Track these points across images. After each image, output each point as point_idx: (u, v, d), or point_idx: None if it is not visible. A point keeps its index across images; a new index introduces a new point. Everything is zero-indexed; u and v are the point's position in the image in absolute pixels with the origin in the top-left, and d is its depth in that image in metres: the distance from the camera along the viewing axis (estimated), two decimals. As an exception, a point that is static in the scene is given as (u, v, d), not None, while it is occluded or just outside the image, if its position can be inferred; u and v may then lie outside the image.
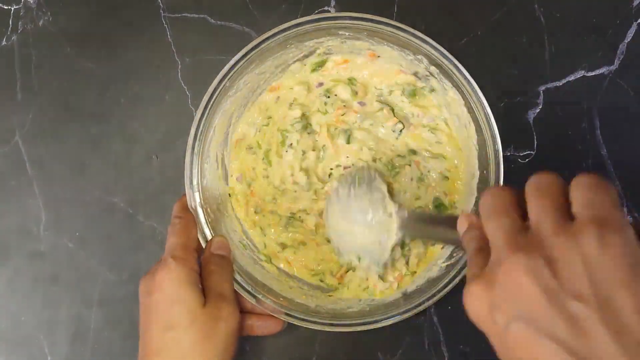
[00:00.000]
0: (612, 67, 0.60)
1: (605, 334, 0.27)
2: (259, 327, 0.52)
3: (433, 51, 0.51)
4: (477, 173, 0.53)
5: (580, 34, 0.60)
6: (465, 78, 0.51)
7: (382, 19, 0.52)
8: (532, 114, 0.59)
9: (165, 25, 0.60)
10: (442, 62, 0.51)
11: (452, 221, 0.41)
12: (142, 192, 0.59)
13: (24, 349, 0.58)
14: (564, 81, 0.60)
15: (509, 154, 0.59)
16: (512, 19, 0.60)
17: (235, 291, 0.49)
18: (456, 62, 0.51)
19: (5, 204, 0.59)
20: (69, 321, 0.58)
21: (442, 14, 0.60)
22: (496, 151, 0.51)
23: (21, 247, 0.59)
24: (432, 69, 0.53)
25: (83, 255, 0.59)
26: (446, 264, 0.53)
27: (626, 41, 0.60)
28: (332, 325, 0.51)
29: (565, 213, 0.31)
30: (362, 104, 0.56)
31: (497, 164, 0.51)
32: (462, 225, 0.38)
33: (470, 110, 0.52)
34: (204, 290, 0.46)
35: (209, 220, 0.53)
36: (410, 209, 0.51)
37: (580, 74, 0.60)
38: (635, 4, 0.60)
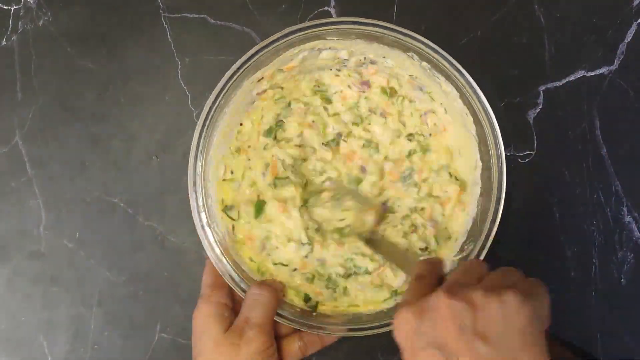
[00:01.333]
0: (612, 67, 0.60)
1: None
2: (309, 344, 0.54)
3: (423, 47, 0.53)
4: (480, 163, 0.54)
5: (580, 34, 0.60)
6: (458, 70, 0.52)
7: (369, 21, 0.53)
8: (532, 114, 0.59)
9: (165, 25, 0.60)
10: (432, 56, 0.53)
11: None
12: (142, 193, 0.59)
13: (24, 349, 0.58)
14: (564, 81, 0.60)
15: (509, 154, 0.59)
16: (512, 19, 0.60)
17: (268, 319, 0.50)
18: (446, 55, 0.52)
19: (5, 204, 0.59)
20: (69, 321, 0.58)
21: (442, 14, 0.60)
22: (496, 138, 0.52)
23: (21, 247, 0.59)
24: (424, 64, 0.54)
25: (83, 256, 0.59)
26: (458, 257, 0.54)
27: (626, 41, 0.60)
28: (351, 330, 0.52)
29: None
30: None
31: (499, 155, 0.52)
32: (422, 260, 0.45)
33: (465, 102, 0.53)
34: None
35: (218, 238, 0.53)
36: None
37: (580, 74, 0.60)
38: (635, 4, 0.60)
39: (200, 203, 0.52)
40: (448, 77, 0.53)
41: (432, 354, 0.36)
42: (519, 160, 0.59)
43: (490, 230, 0.52)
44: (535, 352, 0.35)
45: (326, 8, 0.60)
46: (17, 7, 0.60)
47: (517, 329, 0.35)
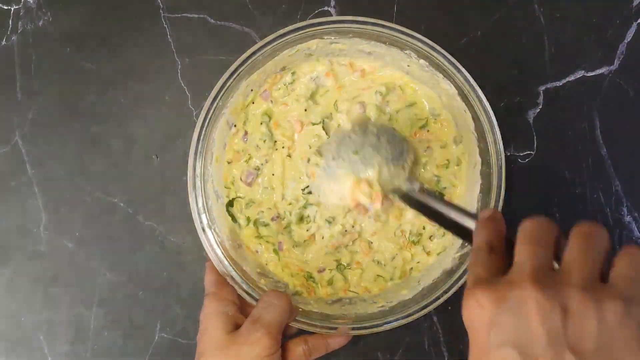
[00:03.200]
0: (612, 67, 0.60)
1: None
2: (313, 349, 0.52)
3: (420, 45, 0.53)
4: (479, 159, 0.54)
5: (580, 34, 0.60)
6: (456, 67, 0.53)
7: (366, 20, 0.53)
8: (532, 114, 0.59)
9: (165, 25, 0.60)
10: (430, 54, 0.53)
11: (463, 211, 0.41)
12: (142, 192, 0.59)
13: (24, 349, 0.58)
14: (564, 81, 0.60)
15: (509, 154, 0.59)
16: (512, 19, 0.60)
17: (278, 323, 0.49)
18: (444, 52, 0.53)
19: (5, 204, 0.59)
20: (69, 321, 0.58)
21: (442, 14, 0.60)
22: (494, 135, 0.53)
23: (21, 247, 0.59)
24: (422, 62, 0.54)
25: (83, 256, 0.59)
26: (459, 254, 0.54)
27: (626, 41, 0.60)
28: (354, 329, 0.53)
29: (600, 274, 0.31)
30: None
31: (497, 152, 0.53)
32: (484, 215, 0.38)
33: (464, 98, 0.54)
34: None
35: (219, 240, 0.53)
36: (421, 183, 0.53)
37: (580, 74, 0.60)
38: (635, 4, 0.60)
39: (201, 205, 0.53)
40: (446, 75, 0.53)
41: (510, 355, 0.30)
42: (519, 160, 0.59)
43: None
44: None
45: (326, 8, 0.60)
46: (17, 7, 0.60)
47: (617, 346, 0.29)
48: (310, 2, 0.60)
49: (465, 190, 0.57)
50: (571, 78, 0.60)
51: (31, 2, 0.60)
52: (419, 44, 0.53)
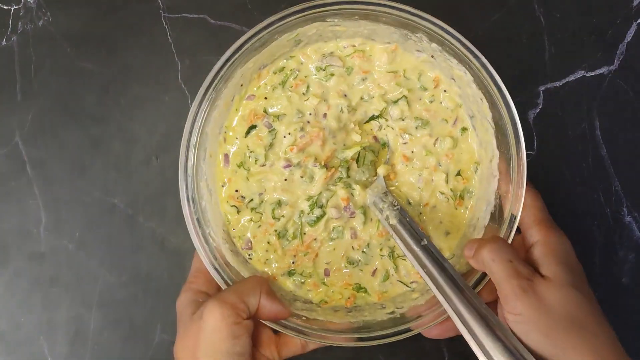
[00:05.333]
0: (612, 67, 0.60)
1: None
2: (264, 308, 0.48)
3: (432, 27, 0.49)
4: (497, 153, 0.51)
5: (580, 34, 0.60)
6: (471, 51, 0.49)
7: (373, 0, 0.50)
8: (532, 114, 0.59)
9: (165, 26, 0.60)
10: (443, 37, 0.49)
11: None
12: (142, 193, 0.59)
13: (24, 349, 0.58)
14: (564, 81, 0.60)
15: (509, 154, 0.59)
16: (512, 19, 0.60)
17: (237, 293, 0.47)
18: (458, 35, 0.49)
19: (5, 205, 0.59)
20: (69, 322, 0.58)
21: (442, 14, 0.60)
22: (514, 124, 0.49)
23: (21, 248, 0.59)
24: (434, 45, 0.51)
25: (83, 257, 0.59)
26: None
27: (626, 41, 0.60)
28: (360, 340, 0.50)
29: None
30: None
31: (518, 139, 0.49)
32: (498, 243, 0.47)
33: (480, 86, 0.50)
34: None
35: (214, 245, 0.51)
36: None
37: (580, 74, 0.60)
38: (635, 4, 0.60)
39: (193, 209, 0.50)
40: (460, 60, 0.50)
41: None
42: (519, 160, 0.59)
43: (515, 214, 0.49)
44: None
45: (326, 8, 0.60)
46: (17, 7, 0.60)
47: None
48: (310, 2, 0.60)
49: (480, 185, 0.54)
50: (571, 78, 0.60)
51: (31, 2, 0.60)
52: (432, 27, 0.49)
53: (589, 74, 0.60)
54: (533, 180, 0.59)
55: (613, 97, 0.59)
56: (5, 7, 0.60)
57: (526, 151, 0.59)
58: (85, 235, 0.59)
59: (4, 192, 0.59)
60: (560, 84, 0.60)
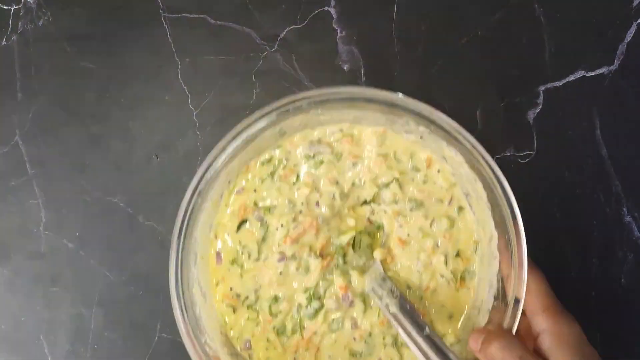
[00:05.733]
0: (612, 67, 0.60)
1: None
2: None
3: (416, 110, 0.47)
4: (495, 234, 0.49)
5: (580, 34, 0.60)
6: (460, 133, 0.47)
7: (358, 89, 0.48)
8: (532, 114, 0.59)
9: (165, 26, 0.60)
10: (429, 119, 0.47)
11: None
12: (142, 193, 0.59)
13: (24, 349, 0.58)
14: (564, 81, 0.60)
15: (509, 154, 0.59)
16: (512, 19, 0.60)
17: None
18: (445, 117, 0.47)
19: (5, 204, 0.59)
20: (69, 321, 0.58)
21: (443, 14, 0.60)
22: (510, 205, 0.46)
23: (21, 247, 0.59)
24: (422, 128, 0.49)
25: (83, 256, 0.59)
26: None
27: (626, 41, 0.60)
28: None
29: None
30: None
31: (515, 219, 0.47)
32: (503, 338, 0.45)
33: (473, 167, 0.48)
34: None
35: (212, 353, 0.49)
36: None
37: (580, 74, 0.60)
38: (635, 4, 0.60)
39: (187, 320, 0.48)
40: (450, 142, 0.48)
41: None
42: (519, 160, 0.59)
43: (518, 298, 0.46)
44: None
45: (326, 8, 0.60)
46: (17, 7, 0.60)
47: None
48: (310, 2, 0.60)
49: (481, 265, 0.53)
50: (571, 78, 0.60)
51: (31, 2, 0.60)
52: (416, 110, 0.47)
53: (589, 74, 0.60)
54: (533, 180, 0.59)
55: (613, 97, 0.59)
56: (5, 7, 0.60)
57: (526, 151, 0.59)
58: (85, 234, 0.59)
59: (4, 192, 0.59)
60: (560, 84, 0.60)
